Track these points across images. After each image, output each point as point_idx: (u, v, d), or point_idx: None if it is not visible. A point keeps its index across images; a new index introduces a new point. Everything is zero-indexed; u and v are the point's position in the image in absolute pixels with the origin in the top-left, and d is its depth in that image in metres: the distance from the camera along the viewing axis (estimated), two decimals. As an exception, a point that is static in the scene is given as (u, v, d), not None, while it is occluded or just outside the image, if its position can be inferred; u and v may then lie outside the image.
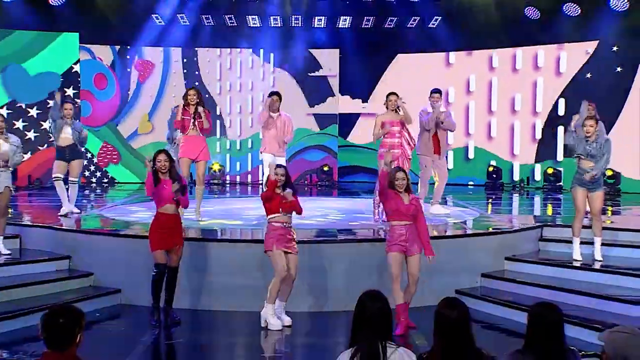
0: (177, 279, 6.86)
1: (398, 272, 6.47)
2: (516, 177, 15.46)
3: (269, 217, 6.62)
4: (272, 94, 9.44)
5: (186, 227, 7.72)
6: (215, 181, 16.29)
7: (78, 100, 15.11)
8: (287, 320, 6.72)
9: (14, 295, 7.12)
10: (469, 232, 8.76)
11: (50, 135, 9.80)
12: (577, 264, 7.65)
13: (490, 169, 15.71)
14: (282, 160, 9.10)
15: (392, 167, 6.88)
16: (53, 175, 9.65)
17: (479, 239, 8.33)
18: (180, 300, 7.06)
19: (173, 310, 6.84)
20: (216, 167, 16.41)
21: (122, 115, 16.40)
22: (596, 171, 7.52)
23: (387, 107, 9.03)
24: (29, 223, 9.13)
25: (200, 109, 8.76)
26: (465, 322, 3.34)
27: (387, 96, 9.11)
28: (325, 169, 16.45)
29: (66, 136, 9.55)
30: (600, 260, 7.64)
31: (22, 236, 8.62)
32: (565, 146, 7.86)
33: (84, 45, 15.79)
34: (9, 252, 8.04)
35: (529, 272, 7.90)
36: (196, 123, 8.79)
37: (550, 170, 14.87)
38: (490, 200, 13.32)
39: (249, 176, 16.77)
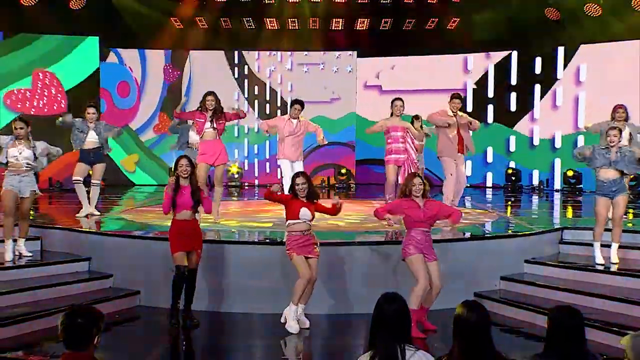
0: (196, 281, 6.88)
1: (425, 274, 6.32)
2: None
3: (287, 222, 6.59)
4: (294, 102, 9.43)
5: (204, 230, 7.74)
6: (234, 183, 16.32)
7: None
8: (306, 323, 6.70)
9: (34, 296, 7.17)
10: (488, 234, 8.70)
11: (72, 143, 9.92)
12: (600, 268, 7.56)
13: (509, 171, 15.61)
14: (299, 166, 9.09)
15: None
16: (73, 178, 9.79)
17: (498, 241, 8.25)
18: (199, 302, 7.07)
19: (191, 312, 6.85)
20: (234, 169, 16.44)
21: (147, 125, 16.53)
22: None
23: (392, 112, 9.13)
24: (49, 225, 9.21)
25: (228, 111, 8.94)
26: (485, 325, 3.32)
27: (393, 102, 9.09)
28: (343, 170, 16.43)
29: (91, 139, 9.75)
30: (615, 263, 7.56)
31: (43, 238, 8.69)
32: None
33: (113, 48, 16.04)
34: (30, 254, 8.12)
35: (549, 275, 7.81)
36: (214, 127, 8.83)
37: (570, 173, 14.72)
38: (509, 203, 13.23)
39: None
